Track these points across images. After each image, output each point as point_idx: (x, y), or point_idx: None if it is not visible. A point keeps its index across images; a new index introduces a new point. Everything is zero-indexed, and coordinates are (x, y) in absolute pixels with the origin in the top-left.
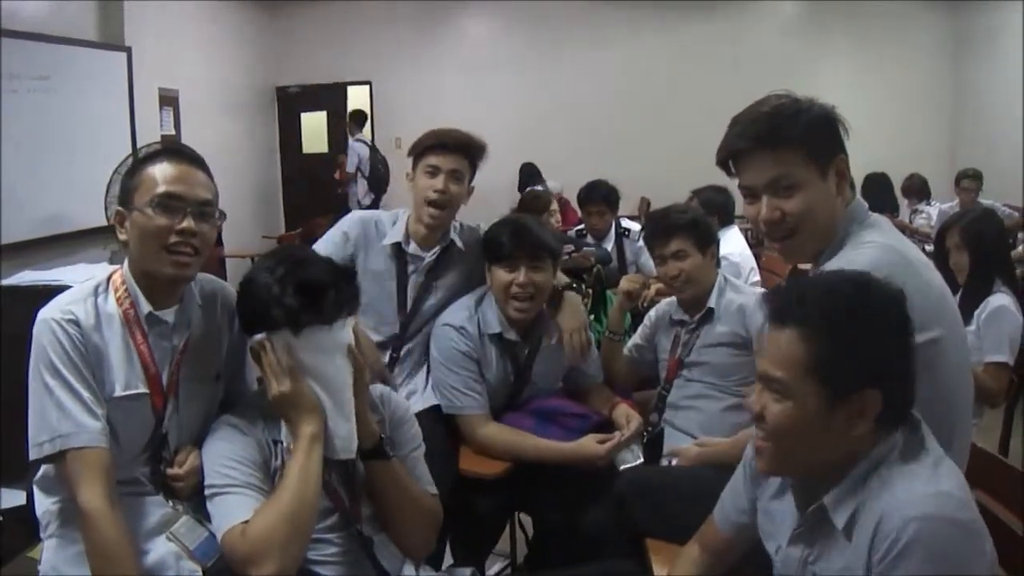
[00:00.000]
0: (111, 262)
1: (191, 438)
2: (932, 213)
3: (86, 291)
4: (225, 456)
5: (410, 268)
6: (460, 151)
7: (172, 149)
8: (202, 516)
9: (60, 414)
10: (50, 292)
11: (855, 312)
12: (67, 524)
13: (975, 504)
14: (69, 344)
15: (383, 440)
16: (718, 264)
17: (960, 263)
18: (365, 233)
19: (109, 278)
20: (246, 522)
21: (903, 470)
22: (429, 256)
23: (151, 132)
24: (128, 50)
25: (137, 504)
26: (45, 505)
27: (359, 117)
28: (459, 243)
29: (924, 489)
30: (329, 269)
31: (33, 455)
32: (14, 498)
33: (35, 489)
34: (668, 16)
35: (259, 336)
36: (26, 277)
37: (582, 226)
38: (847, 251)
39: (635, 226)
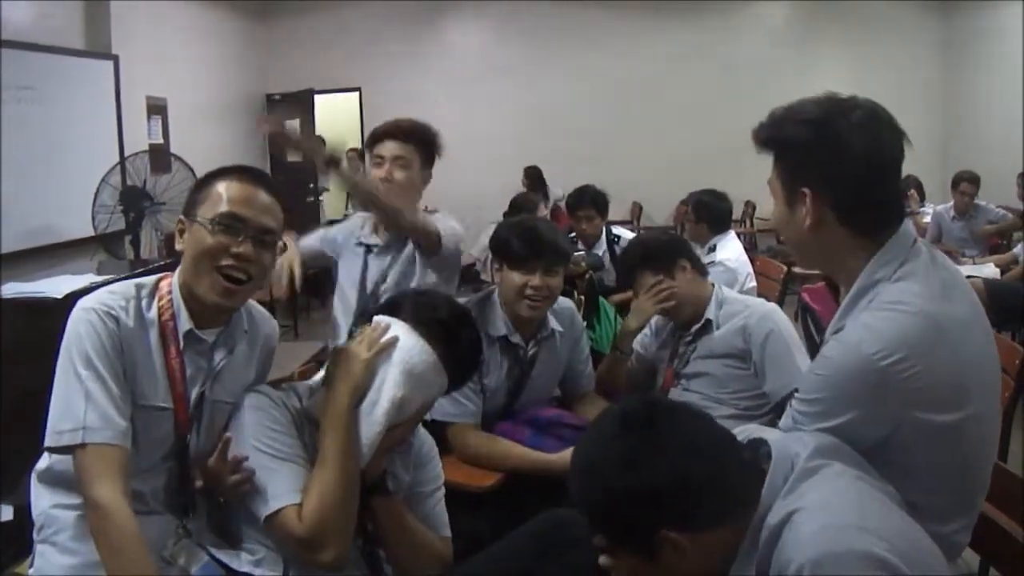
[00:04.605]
0: (98, 273)
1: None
2: (927, 215)
3: (130, 291)
4: (265, 424)
5: (370, 256)
6: (402, 137)
7: (245, 168)
8: (204, 541)
9: (88, 405)
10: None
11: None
12: (64, 531)
13: (906, 531)
14: (107, 338)
15: (386, 475)
16: (706, 274)
17: None
18: (347, 236)
19: (157, 283)
20: (299, 504)
21: (782, 515)
22: (383, 244)
23: (139, 141)
24: (115, 58)
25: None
26: (43, 505)
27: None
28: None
29: (810, 528)
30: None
31: (50, 442)
32: (3, 513)
33: (34, 482)
34: (659, 21)
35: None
36: (10, 289)
37: (572, 233)
38: (870, 312)
39: (627, 233)
